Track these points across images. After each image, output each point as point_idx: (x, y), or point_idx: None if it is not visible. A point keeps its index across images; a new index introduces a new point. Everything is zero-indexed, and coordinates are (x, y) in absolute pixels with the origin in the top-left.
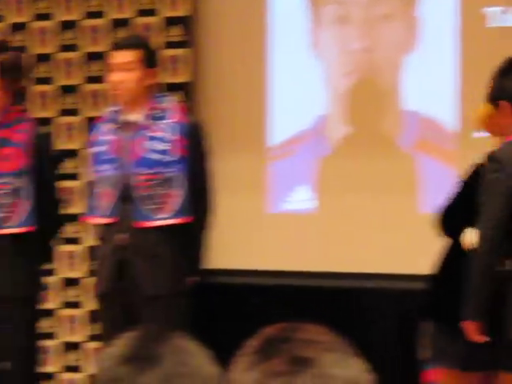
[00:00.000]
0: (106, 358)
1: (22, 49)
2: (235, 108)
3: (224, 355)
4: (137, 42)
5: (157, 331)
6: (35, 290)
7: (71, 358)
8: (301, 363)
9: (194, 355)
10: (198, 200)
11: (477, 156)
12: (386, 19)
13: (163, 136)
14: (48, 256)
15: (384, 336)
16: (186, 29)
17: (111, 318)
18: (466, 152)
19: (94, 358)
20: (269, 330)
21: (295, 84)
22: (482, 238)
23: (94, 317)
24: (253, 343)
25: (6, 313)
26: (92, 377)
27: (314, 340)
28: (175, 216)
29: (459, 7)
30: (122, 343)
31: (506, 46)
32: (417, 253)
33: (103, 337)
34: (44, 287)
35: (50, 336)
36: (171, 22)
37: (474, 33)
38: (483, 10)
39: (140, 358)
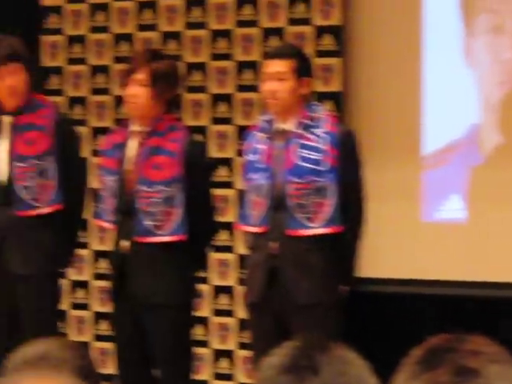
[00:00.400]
0: (266, 367)
1: (176, 57)
2: (388, 117)
3: (377, 365)
4: (289, 52)
5: (316, 341)
6: (189, 297)
7: (223, 366)
8: (465, 374)
9: (352, 365)
10: (351, 209)
11: None
12: None
13: (315, 145)
14: (202, 264)
15: None
16: (337, 38)
17: (261, 326)
18: None
19: (244, 367)
20: (433, 340)
21: (448, 93)
22: None
23: (244, 325)
24: (416, 353)
25: (160, 320)
26: None
27: (479, 351)
28: (327, 225)
29: None
30: (282, 352)
31: None
32: None
33: (253, 345)
34: (198, 295)
35: (202, 344)
36: (323, 31)
37: None
38: None
39: (300, 368)
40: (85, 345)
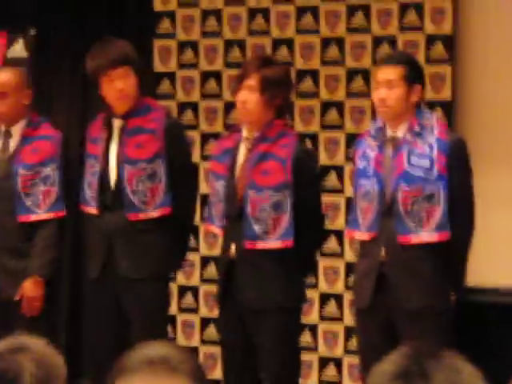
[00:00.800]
0: (377, 374)
1: (287, 64)
2: (497, 125)
3: (485, 373)
4: (400, 59)
5: (426, 348)
6: (297, 302)
7: (330, 373)
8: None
9: (464, 373)
10: (460, 217)
11: None
12: None
13: (425, 152)
14: (310, 270)
15: None
16: (448, 46)
17: (369, 333)
18: None
19: (351, 374)
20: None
21: None
22: None
23: (352, 332)
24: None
25: (267, 325)
26: None
27: None
28: (437, 232)
29: None
30: (393, 360)
31: None
32: None
33: (361, 352)
34: (306, 300)
35: (310, 350)
36: (434, 38)
37: None
38: None
39: (411, 375)
40: (193, 349)
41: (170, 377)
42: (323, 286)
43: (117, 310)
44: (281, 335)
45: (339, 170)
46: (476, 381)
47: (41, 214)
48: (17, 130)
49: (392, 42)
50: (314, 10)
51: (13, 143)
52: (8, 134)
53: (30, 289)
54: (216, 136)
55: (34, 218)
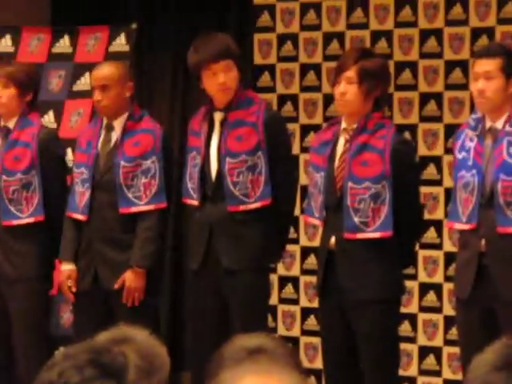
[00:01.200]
0: (478, 364)
1: (385, 56)
2: None
3: None
4: (498, 50)
5: None
6: (397, 293)
7: (429, 363)
8: None
9: None
10: None
11: None
12: None
13: None
14: (409, 260)
15: None
16: None
17: (469, 323)
18: None
19: (451, 363)
20: None
21: None
22: None
23: (451, 322)
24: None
25: (367, 315)
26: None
27: None
28: None
29: None
30: (494, 350)
31: None
32: None
33: (461, 342)
34: (405, 291)
35: (410, 340)
36: None
37: None
38: None
39: (502, 365)
40: (294, 340)
41: (270, 368)
42: (422, 276)
43: (218, 302)
44: (380, 325)
45: (438, 161)
46: None
47: (142, 206)
48: (119, 123)
49: (490, 33)
50: (412, 3)
51: (115, 136)
52: (110, 127)
53: (131, 279)
54: (315, 128)
55: (134, 209)
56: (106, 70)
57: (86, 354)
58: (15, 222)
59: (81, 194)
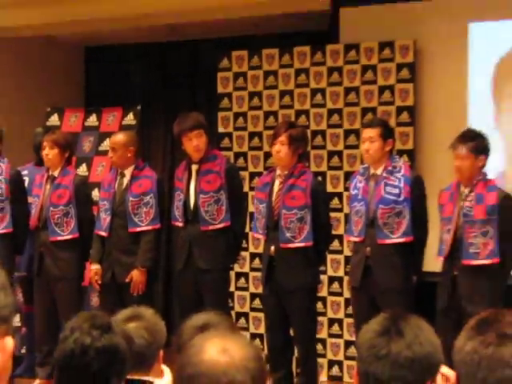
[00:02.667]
0: (365, 332)
1: (305, 126)
2: (443, 165)
3: None
4: (378, 122)
5: (400, 313)
6: (314, 283)
7: (335, 329)
8: (505, 338)
9: (424, 330)
10: (419, 227)
11: None
12: None
13: (396, 184)
14: (322, 261)
15: None
16: (411, 114)
17: (360, 303)
18: None
19: (349, 330)
20: (483, 313)
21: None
22: None
23: (349, 302)
24: (472, 322)
25: (295, 298)
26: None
27: None
28: (403, 236)
29: None
30: (377, 322)
31: None
32: None
33: (355, 316)
34: (319, 281)
35: (322, 314)
36: (402, 109)
37: None
38: None
39: (390, 332)
40: (245, 314)
41: (219, 332)
42: (330, 271)
43: (195, 290)
44: (303, 304)
45: (340, 196)
46: (432, 334)
47: (143, 227)
48: (128, 171)
49: (374, 111)
50: (323, 92)
51: (126, 180)
52: (123, 174)
53: (137, 276)
54: (259, 174)
55: (139, 229)
56: (116, 138)
57: (86, 322)
58: (59, 238)
59: (104, 219)
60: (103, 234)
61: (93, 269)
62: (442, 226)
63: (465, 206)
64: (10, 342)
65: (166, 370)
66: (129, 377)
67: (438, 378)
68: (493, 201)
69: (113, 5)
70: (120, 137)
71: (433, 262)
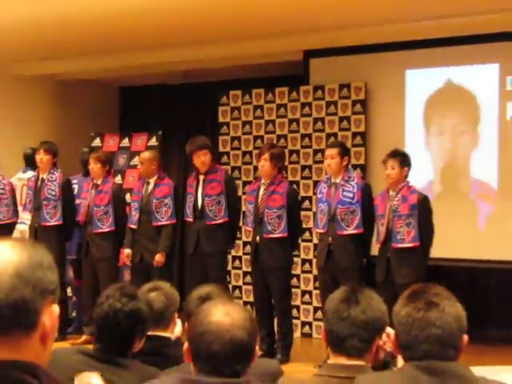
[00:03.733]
0: (330, 300)
1: (283, 147)
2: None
3: None
4: (337, 144)
5: (356, 286)
6: (289, 264)
7: (306, 298)
8: (431, 305)
9: (375, 299)
10: (368, 221)
11: None
12: (462, 133)
13: (350, 190)
14: (295, 247)
15: None
16: (363, 138)
17: (324, 279)
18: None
19: (317, 299)
20: (414, 286)
21: (417, 164)
22: None
23: (316, 278)
24: (406, 293)
25: (276, 275)
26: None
27: (439, 293)
28: (356, 229)
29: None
30: (339, 292)
31: None
32: None
33: (321, 289)
34: (293, 262)
35: (296, 287)
36: (356, 134)
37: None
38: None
39: (349, 300)
40: (239, 287)
41: (220, 300)
42: (302, 255)
43: (202, 269)
44: (281, 280)
45: (310, 199)
46: (381, 303)
47: (163, 221)
48: (152, 180)
49: (335, 136)
50: (297, 121)
51: (150, 187)
52: (148, 182)
53: (159, 257)
54: (249, 183)
55: (160, 223)
56: (143, 155)
57: (117, 291)
58: (100, 231)
59: (134, 215)
60: (134, 226)
61: (125, 252)
62: (378, 221)
63: (393, 204)
64: (56, 309)
65: (178, 322)
66: (150, 333)
67: (384, 336)
68: (414, 200)
69: (142, 56)
70: (146, 154)
71: (374, 247)
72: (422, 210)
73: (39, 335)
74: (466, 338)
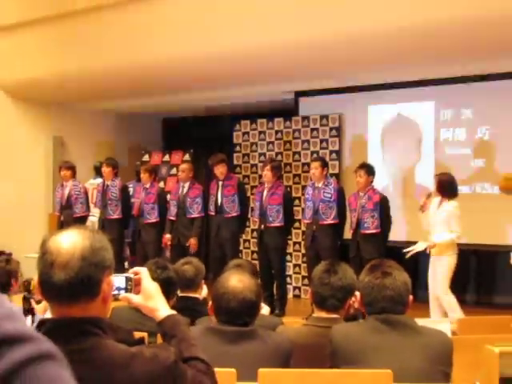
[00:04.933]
0: (316, 271)
1: (280, 161)
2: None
3: None
4: (320, 159)
5: (334, 260)
6: (284, 244)
7: (296, 270)
8: (386, 274)
9: (348, 270)
10: (340, 214)
11: None
12: (408, 151)
13: (329, 191)
14: (289, 233)
15: None
16: (338, 154)
17: (310, 256)
18: None
19: (305, 271)
20: (374, 261)
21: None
22: None
23: (304, 255)
24: (368, 266)
25: (275, 252)
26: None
27: (392, 265)
28: (333, 219)
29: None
30: (322, 264)
31: None
32: None
33: (307, 263)
34: (287, 244)
35: (288, 261)
36: (332, 151)
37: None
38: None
39: (330, 271)
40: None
41: (243, 271)
42: (294, 239)
43: (220, 247)
44: (279, 256)
45: (299, 198)
46: (352, 273)
47: (195, 215)
48: (186, 184)
49: (317, 153)
50: (290, 142)
51: (185, 189)
52: (183, 186)
53: (193, 240)
54: (256, 187)
55: (192, 216)
56: (183, 166)
57: (154, 264)
58: (148, 221)
59: (173, 210)
60: (173, 218)
61: (167, 237)
62: (351, 214)
63: (362, 202)
64: (112, 279)
65: (204, 287)
66: (184, 294)
67: (353, 297)
68: (377, 199)
69: (178, 97)
70: (186, 165)
71: (347, 233)
72: (383, 206)
73: (101, 298)
74: (411, 297)
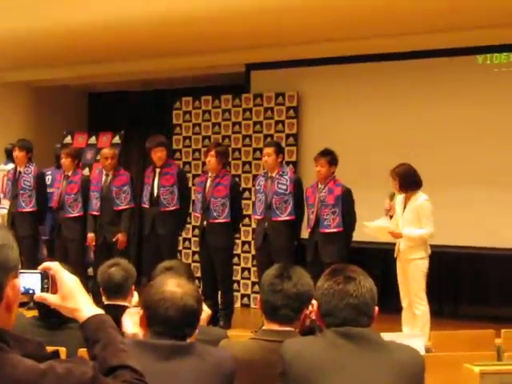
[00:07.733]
0: (266, 276)
1: (227, 146)
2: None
3: None
4: (273, 144)
5: (288, 264)
6: (231, 244)
7: (245, 274)
8: (349, 279)
9: (304, 275)
10: (299, 208)
11: None
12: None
13: (284, 182)
14: (237, 231)
15: None
16: (295, 139)
17: (261, 258)
18: None
19: (255, 274)
20: (334, 265)
21: None
22: None
23: (254, 257)
24: (328, 270)
25: (220, 254)
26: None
27: (356, 270)
28: (288, 216)
29: None
30: (273, 269)
31: None
32: None
33: (258, 266)
34: (235, 243)
35: (236, 264)
36: (289, 135)
37: None
38: None
39: (282, 276)
40: (188, 265)
41: (178, 275)
42: (243, 237)
43: (155, 247)
44: (224, 258)
45: (250, 190)
46: (308, 278)
47: (123, 206)
48: (110, 172)
49: (272, 137)
50: (240, 124)
51: (109, 178)
52: (107, 174)
53: (121, 237)
54: (198, 175)
55: (120, 208)
56: (105, 152)
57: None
58: (70, 215)
59: (95, 203)
60: (96, 213)
61: (90, 236)
62: (308, 209)
63: (321, 196)
64: (17, 282)
65: (135, 293)
66: (111, 302)
67: (310, 306)
68: (339, 192)
69: (108, 67)
70: (111, 150)
71: (304, 231)
72: (346, 201)
73: (4, 305)
74: (376, 308)
